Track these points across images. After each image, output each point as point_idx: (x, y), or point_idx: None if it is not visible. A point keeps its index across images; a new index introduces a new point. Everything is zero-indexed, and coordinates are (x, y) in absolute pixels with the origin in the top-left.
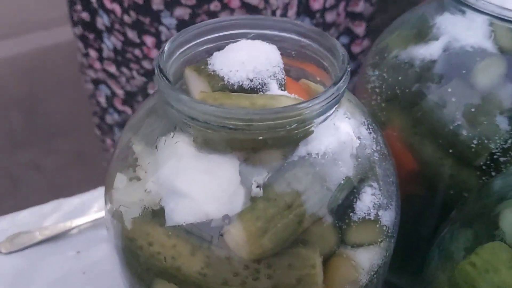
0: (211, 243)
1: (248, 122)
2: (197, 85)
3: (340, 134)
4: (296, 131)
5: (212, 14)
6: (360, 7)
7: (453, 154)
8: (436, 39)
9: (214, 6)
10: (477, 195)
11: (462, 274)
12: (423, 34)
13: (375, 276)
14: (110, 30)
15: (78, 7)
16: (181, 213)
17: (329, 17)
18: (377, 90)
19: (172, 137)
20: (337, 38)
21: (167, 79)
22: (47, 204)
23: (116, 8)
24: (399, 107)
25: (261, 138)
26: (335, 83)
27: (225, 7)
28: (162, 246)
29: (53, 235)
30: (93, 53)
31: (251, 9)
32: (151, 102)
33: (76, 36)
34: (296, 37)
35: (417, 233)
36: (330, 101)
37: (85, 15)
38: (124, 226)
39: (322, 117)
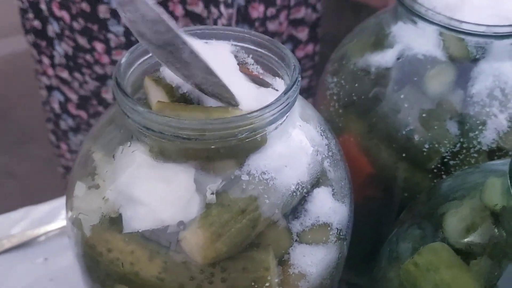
0: (168, 249)
1: (200, 132)
2: (155, 94)
3: (293, 141)
4: (248, 140)
5: None
6: (302, 13)
7: (406, 158)
8: (391, 47)
9: None
10: (425, 197)
11: (406, 274)
12: (379, 42)
13: (329, 277)
14: (60, 37)
15: (30, 15)
16: (137, 220)
17: (271, 26)
18: (335, 97)
19: (129, 146)
20: None
21: (123, 90)
22: (15, 211)
23: (65, 15)
24: (356, 113)
25: (214, 147)
26: (285, 92)
27: (171, 15)
28: (121, 252)
29: (21, 243)
30: (45, 60)
31: (195, 17)
32: (111, 111)
33: (29, 44)
34: (252, 47)
35: (375, 234)
36: (281, 110)
37: (36, 23)
38: (83, 233)
39: (273, 125)
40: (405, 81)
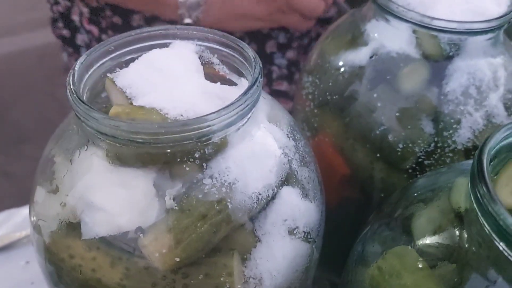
0: (130, 255)
1: (154, 135)
2: (115, 95)
3: (256, 143)
4: (207, 143)
5: None
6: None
7: (381, 158)
8: (365, 45)
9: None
10: (396, 197)
11: (371, 279)
12: (354, 40)
13: (297, 281)
14: (89, 46)
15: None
16: (95, 226)
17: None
18: (311, 96)
19: (86, 150)
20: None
21: (75, 93)
22: None
23: (94, 29)
24: (331, 113)
25: (171, 151)
26: (244, 93)
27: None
28: (82, 258)
29: (3, 245)
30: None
31: None
32: (72, 114)
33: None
34: (217, 47)
35: (354, 235)
36: (239, 112)
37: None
38: (44, 240)
39: (233, 127)
40: (379, 79)
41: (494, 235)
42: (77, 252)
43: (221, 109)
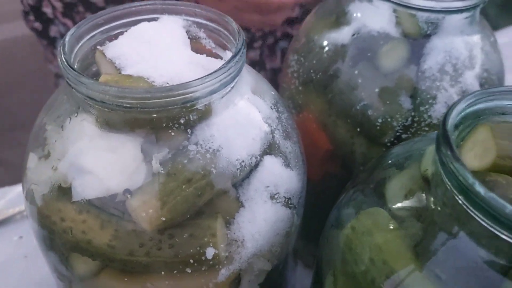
0: (118, 218)
1: (140, 100)
2: (105, 66)
3: (240, 112)
4: (191, 109)
5: None
6: None
7: (362, 133)
8: (348, 25)
9: None
10: (372, 165)
11: (345, 238)
12: (338, 20)
13: (278, 244)
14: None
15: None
16: (85, 188)
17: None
18: (296, 74)
19: (76, 116)
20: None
21: (66, 61)
22: None
23: (69, 22)
24: (314, 90)
25: (157, 116)
26: (227, 62)
27: None
28: (73, 221)
29: None
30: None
31: None
32: (62, 85)
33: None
34: (203, 21)
35: None
36: (222, 79)
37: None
38: (36, 203)
39: (217, 95)
40: (360, 57)
41: (455, 191)
42: (68, 215)
43: (205, 76)
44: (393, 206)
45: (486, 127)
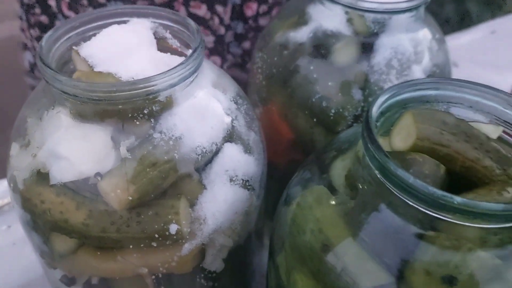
0: (92, 199)
1: (108, 93)
2: (80, 64)
3: (200, 104)
4: (154, 100)
5: None
6: None
7: (319, 123)
8: (306, 24)
9: None
10: (321, 149)
11: (291, 213)
12: (298, 21)
13: (238, 223)
14: None
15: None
16: (62, 173)
17: (262, 21)
18: (260, 70)
19: (53, 109)
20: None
21: (43, 60)
22: None
23: (73, 16)
24: (276, 84)
25: (123, 107)
26: (186, 59)
27: None
28: (52, 203)
29: None
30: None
31: (198, 20)
32: (41, 83)
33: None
34: (169, 23)
35: None
36: (182, 74)
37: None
38: (18, 188)
39: (178, 88)
40: (316, 54)
41: (374, 168)
42: (47, 198)
43: (166, 71)
44: (335, 184)
45: (409, 114)
